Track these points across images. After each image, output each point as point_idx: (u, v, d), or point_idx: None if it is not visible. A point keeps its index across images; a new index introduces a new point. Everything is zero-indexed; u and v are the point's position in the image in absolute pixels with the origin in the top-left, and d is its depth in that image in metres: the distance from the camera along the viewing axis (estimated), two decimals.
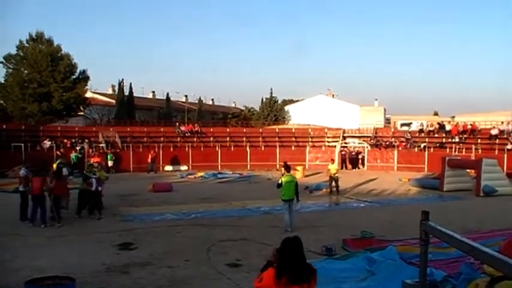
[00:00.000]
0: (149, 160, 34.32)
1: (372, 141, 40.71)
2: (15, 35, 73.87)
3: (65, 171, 17.62)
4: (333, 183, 22.38)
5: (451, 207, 18.50)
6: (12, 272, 9.21)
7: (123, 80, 55.27)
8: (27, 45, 41.78)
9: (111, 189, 20.33)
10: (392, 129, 46.58)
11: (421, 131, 41.33)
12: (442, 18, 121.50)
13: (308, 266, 4.02)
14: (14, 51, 41.69)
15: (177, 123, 45.49)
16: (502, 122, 38.66)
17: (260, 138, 42.79)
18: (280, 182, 13.60)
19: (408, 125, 46.65)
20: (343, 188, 23.68)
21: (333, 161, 23.14)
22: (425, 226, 3.28)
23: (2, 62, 41.70)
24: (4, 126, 36.69)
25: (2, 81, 42.32)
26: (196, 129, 43.31)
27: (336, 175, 22.53)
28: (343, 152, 38.97)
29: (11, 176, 25.96)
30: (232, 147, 40.11)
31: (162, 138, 40.41)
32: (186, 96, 72.42)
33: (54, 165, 19.37)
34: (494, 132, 36.43)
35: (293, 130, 46.78)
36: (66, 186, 15.58)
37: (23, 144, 32.20)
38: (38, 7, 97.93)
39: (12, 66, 41.89)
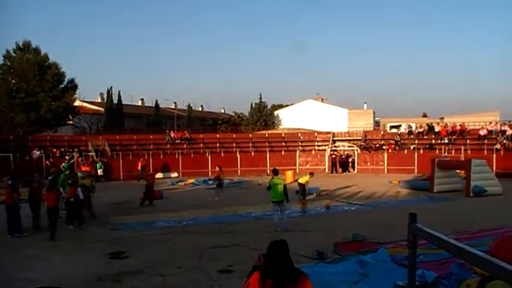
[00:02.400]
0: (139, 168, 34.22)
1: (361, 144, 40.87)
2: (2, 45, 73.30)
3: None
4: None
5: (441, 208, 18.57)
6: (2, 284, 9.11)
7: (111, 87, 55.18)
8: (14, 54, 41.52)
9: (101, 198, 20.25)
10: (382, 132, 46.82)
11: (410, 132, 41.56)
12: (429, 21, 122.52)
13: (295, 270, 4.00)
14: (0, 61, 41.48)
15: (167, 130, 45.42)
16: (490, 123, 39.06)
17: (250, 144, 42.81)
18: (269, 184, 14.37)
19: (397, 127, 46.97)
20: (332, 190, 23.93)
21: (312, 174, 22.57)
22: (413, 228, 3.28)
23: None
24: None
25: None
26: (186, 135, 43.25)
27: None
28: (333, 156, 39.11)
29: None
30: (222, 153, 40.10)
31: (151, 146, 40.33)
32: (175, 103, 72.43)
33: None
34: (482, 132, 36.71)
35: (283, 135, 46.88)
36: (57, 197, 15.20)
37: (11, 155, 31.94)
38: (25, 16, 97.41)
39: None
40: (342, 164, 38.61)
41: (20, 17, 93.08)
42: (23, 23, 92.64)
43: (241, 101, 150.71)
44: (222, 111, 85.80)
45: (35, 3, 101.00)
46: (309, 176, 21.46)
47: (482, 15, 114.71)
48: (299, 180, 21.77)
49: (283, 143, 43.24)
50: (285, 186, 14.31)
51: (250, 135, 47.80)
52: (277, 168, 15.84)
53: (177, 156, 38.17)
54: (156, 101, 63.09)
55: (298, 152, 40.24)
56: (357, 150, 39.20)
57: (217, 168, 23.82)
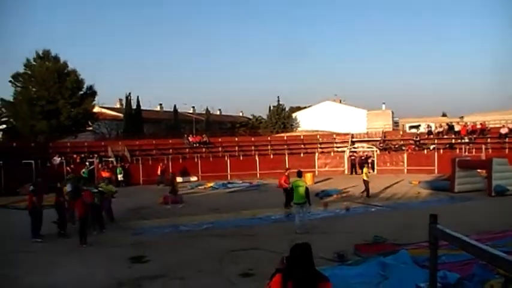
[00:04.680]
0: (159, 172, 34.42)
1: (381, 145, 40.58)
2: (23, 54, 74.41)
3: (68, 187, 17.45)
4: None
5: (462, 208, 18.34)
6: None
7: (130, 93, 55.63)
8: (34, 63, 42.12)
9: (121, 202, 20.37)
10: (401, 132, 46.43)
11: (429, 132, 41.14)
12: (447, 20, 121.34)
13: (317, 273, 3.97)
14: (21, 70, 42.06)
15: (185, 135, 45.60)
16: None
17: (268, 147, 42.79)
18: (291, 186, 14.74)
19: (417, 127, 46.49)
20: (352, 193, 23.89)
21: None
22: (433, 229, 3.24)
23: (10, 81, 42.03)
24: (14, 144, 36.97)
25: (11, 100, 42.51)
26: (204, 139, 43.41)
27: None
28: (352, 157, 38.86)
29: (22, 193, 26.06)
30: (241, 157, 40.08)
31: (170, 150, 40.44)
32: (193, 107, 72.74)
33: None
34: (503, 131, 36.16)
35: (301, 137, 46.82)
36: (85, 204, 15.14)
37: (33, 162, 32.33)
38: (44, 24, 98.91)
39: (20, 84, 42.18)
40: (361, 165, 38.34)
41: (39, 25, 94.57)
42: (42, 31, 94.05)
43: (259, 104, 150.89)
44: (240, 114, 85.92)
45: (53, 12, 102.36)
46: (366, 168, 23.57)
47: (502, 12, 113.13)
48: (364, 178, 22.75)
49: (302, 145, 43.15)
50: (306, 188, 14.44)
51: (269, 138, 47.83)
52: (301, 170, 15.85)
53: (196, 160, 38.25)
54: (175, 106, 63.48)
55: (317, 154, 39.98)
56: (376, 151, 38.90)
57: (170, 175, 23.68)
